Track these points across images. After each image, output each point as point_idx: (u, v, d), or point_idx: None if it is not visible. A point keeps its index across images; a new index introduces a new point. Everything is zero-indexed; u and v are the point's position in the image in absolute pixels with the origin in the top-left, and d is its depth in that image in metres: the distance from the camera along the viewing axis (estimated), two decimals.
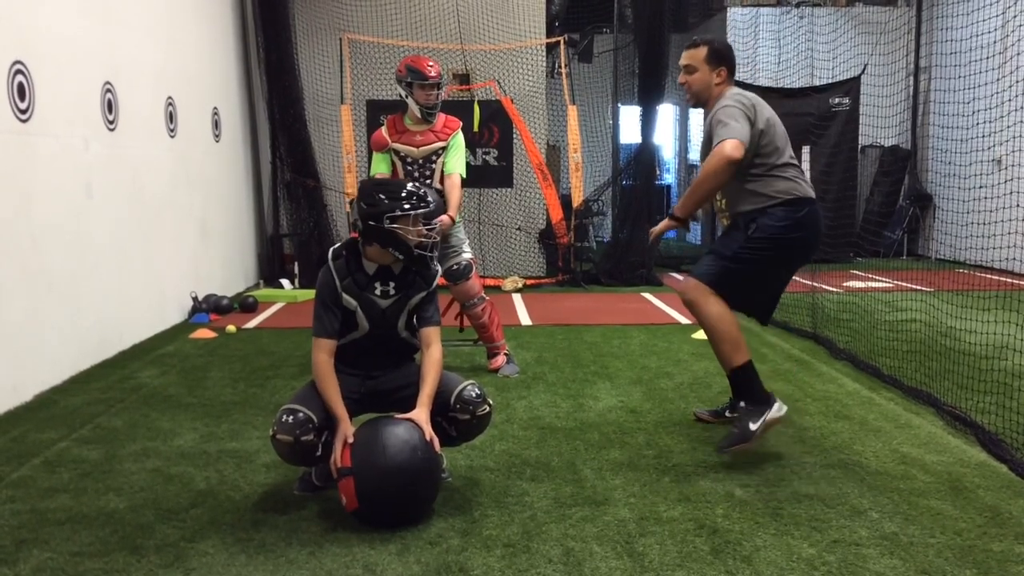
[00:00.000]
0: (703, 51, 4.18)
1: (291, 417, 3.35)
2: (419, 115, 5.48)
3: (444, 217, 5.28)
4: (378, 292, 3.51)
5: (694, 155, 15.17)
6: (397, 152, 5.52)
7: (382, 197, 3.45)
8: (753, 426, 3.94)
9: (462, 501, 3.52)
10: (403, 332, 3.58)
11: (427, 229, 3.52)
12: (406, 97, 5.50)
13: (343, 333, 3.51)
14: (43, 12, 5.44)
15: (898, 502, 3.51)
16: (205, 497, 3.61)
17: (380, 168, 5.60)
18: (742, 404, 4.07)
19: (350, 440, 3.32)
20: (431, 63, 5.51)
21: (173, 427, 4.59)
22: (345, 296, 3.48)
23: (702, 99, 4.25)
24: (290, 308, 8.61)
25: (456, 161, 5.53)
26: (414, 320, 3.60)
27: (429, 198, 3.54)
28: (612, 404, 5.00)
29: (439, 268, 3.69)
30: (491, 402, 3.62)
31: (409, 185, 3.54)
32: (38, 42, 5.33)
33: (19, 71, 5.08)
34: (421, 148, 5.48)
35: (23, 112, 5.13)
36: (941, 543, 3.14)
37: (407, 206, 3.43)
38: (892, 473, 3.84)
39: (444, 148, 5.50)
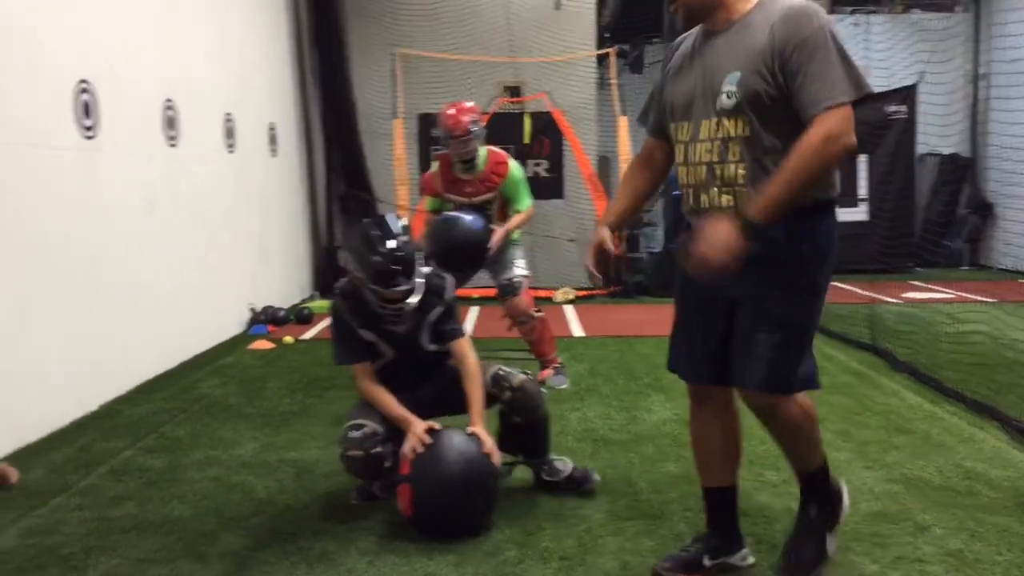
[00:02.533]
0: None
1: (358, 432, 3.41)
2: (459, 168, 5.48)
3: (498, 234, 5.34)
4: (391, 323, 3.49)
5: None
6: (451, 200, 5.57)
7: (352, 257, 3.42)
8: (831, 545, 2.96)
9: (518, 513, 3.53)
10: (429, 346, 3.59)
11: (390, 303, 3.35)
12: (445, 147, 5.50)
13: (373, 360, 3.55)
14: (107, 33, 5.60)
15: (963, 518, 3.44)
16: (266, 506, 3.67)
17: (431, 207, 5.67)
18: (814, 510, 2.95)
19: (426, 432, 3.33)
20: (460, 117, 5.32)
21: (234, 436, 4.67)
22: (362, 331, 3.50)
23: (698, 7, 2.70)
24: None
25: (524, 199, 5.55)
26: (438, 333, 3.58)
27: (395, 278, 3.29)
28: (666, 416, 4.97)
29: (446, 281, 3.59)
30: (527, 372, 3.64)
31: (383, 250, 3.30)
32: (102, 61, 5.48)
33: (84, 89, 5.24)
34: (474, 199, 5.52)
35: (88, 130, 5.28)
36: (1008, 561, 3.07)
37: (367, 278, 3.33)
38: (956, 488, 3.77)
39: (494, 196, 5.50)
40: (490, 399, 3.57)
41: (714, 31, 2.70)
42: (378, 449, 3.40)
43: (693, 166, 2.76)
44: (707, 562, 2.97)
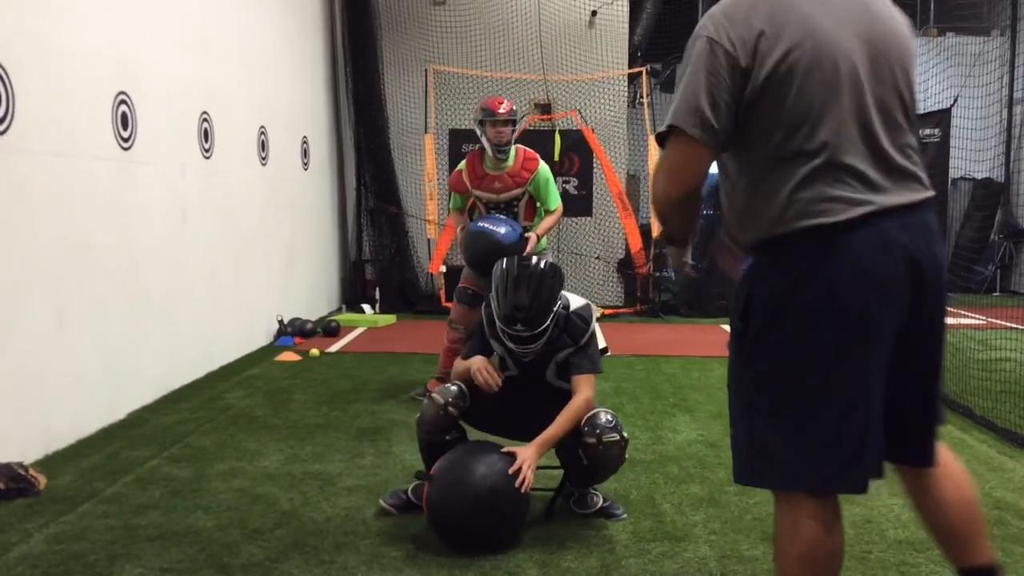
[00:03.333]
0: None
1: (451, 386, 3.58)
2: (492, 153, 5.50)
3: (532, 241, 5.37)
4: (516, 349, 3.55)
5: None
6: (479, 197, 5.60)
7: (498, 286, 3.52)
8: None
9: (540, 532, 3.52)
10: (554, 382, 3.62)
11: (516, 347, 3.51)
12: (480, 136, 5.54)
13: (502, 368, 3.67)
14: (146, 45, 5.68)
15: (992, 549, 3.38)
16: (289, 518, 3.68)
17: (457, 204, 5.69)
18: None
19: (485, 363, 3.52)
20: (503, 101, 5.54)
21: (259, 448, 4.70)
22: (492, 342, 3.63)
23: None
24: (371, 333, 8.74)
25: (552, 196, 5.57)
26: (567, 366, 3.58)
27: (516, 326, 3.42)
28: (692, 438, 4.94)
29: (587, 322, 3.59)
30: (625, 435, 3.56)
31: (510, 304, 3.43)
32: (140, 74, 5.57)
33: (123, 101, 5.32)
34: (502, 195, 5.54)
35: (126, 140, 5.36)
36: None
37: (496, 311, 3.50)
38: (985, 518, 3.70)
39: (524, 192, 5.54)
40: (577, 432, 3.48)
41: None
42: (454, 411, 3.52)
43: None
44: None
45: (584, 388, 3.51)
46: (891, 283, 2.04)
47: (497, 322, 3.49)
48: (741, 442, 2.18)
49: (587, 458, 3.51)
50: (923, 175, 2.14)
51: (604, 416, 3.52)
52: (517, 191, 5.53)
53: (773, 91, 2.04)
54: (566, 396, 3.54)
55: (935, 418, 2.26)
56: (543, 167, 5.61)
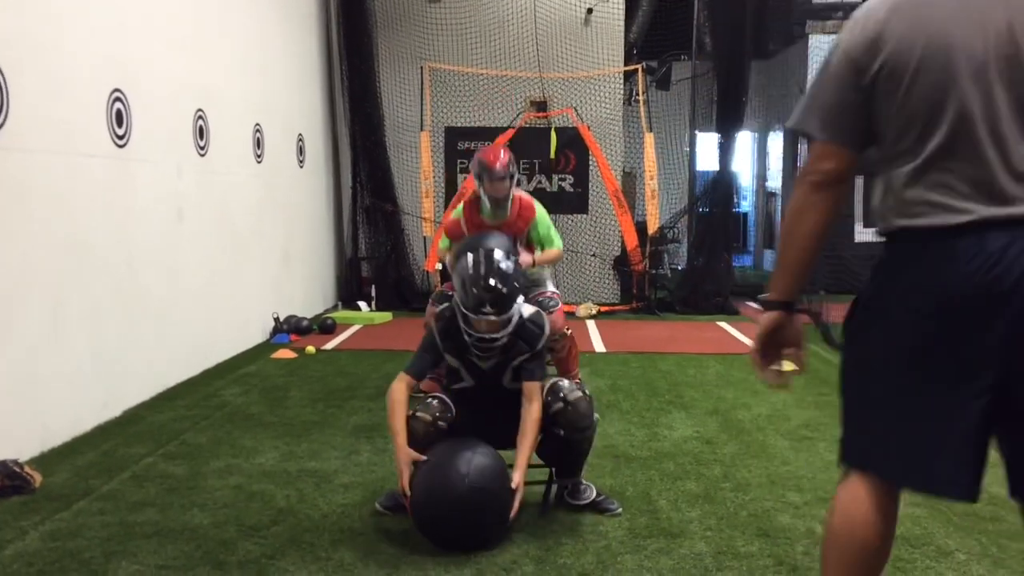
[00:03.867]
0: None
1: (435, 401, 3.58)
2: (490, 208, 5.44)
3: (525, 257, 5.28)
4: (476, 356, 3.59)
5: (773, 182, 14.97)
6: None
7: (457, 272, 3.56)
8: None
9: (536, 528, 3.52)
10: (510, 385, 3.64)
11: (486, 336, 3.47)
12: (479, 188, 5.46)
13: (453, 381, 3.68)
14: (140, 43, 5.68)
15: (986, 544, 3.40)
16: (285, 515, 3.68)
17: (448, 247, 5.62)
18: None
19: (408, 463, 3.41)
20: (500, 155, 5.39)
21: (255, 445, 4.70)
22: (447, 356, 3.63)
23: None
24: (367, 330, 8.74)
25: (553, 239, 5.53)
26: (520, 372, 3.62)
27: (485, 308, 3.42)
28: (688, 434, 4.95)
29: (544, 332, 3.64)
30: (586, 391, 3.65)
31: (483, 284, 3.44)
32: (135, 71, 5.56)
33: (118, 99, 5.31)
34: None
35: (120, 138, 5.35)
36: None
37: (462, 302, 3.48)
38: (980, 514, 3.72)
39: (520, 239, 5.48)
40: (544, 407, 3.56)
41: None
42: (443, 424, 3.52)
43: None
44: None
45: (537, 395, 3.55)
46: (968, 303, 1.90)
47: (464, 312, 3.45)
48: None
49: (561, 427, 3.57)
50: None
51: (562, 382, 3.63)
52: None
53: (881, 93, 2.01)
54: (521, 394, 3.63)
55: None
56: (540, 214, 5.55)
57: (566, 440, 3.61)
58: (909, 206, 1.99)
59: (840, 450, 2.19)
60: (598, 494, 3.78)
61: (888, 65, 1.98)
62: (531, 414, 3.52)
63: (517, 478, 3.41)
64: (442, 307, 3.73)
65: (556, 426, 3.58)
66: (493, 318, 3.44)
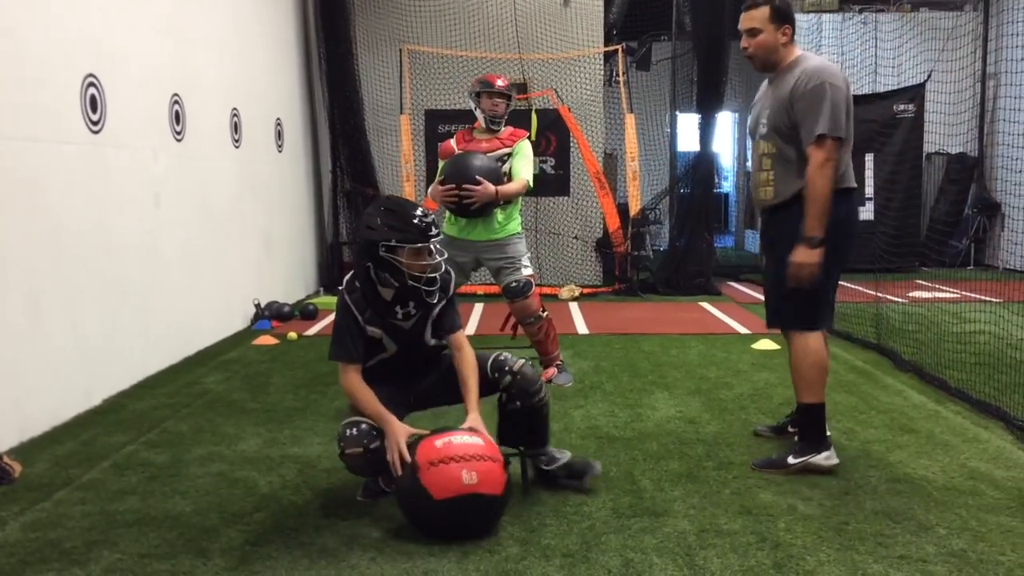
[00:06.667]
0: (765, 11, 3.91)
1: (354, 430, 3.43)
2: (484, 124, 5.58)
3: (488, 186, 5.22)
4: (399, 316, 3.55)
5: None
6: None
7: (380, 222, 3.44)
8: (792, 460, 3.94)
9: (521, 510, 3.53)
10: (430, 341, 3.67)
11: (427, 263, 3.44)
12: (475, 109, 5.63)
13: (371, 356, 3.57)
14: (115, 27, 5.60)
15: (966, 518, 3.43)
16: (268, 501, 3.67)
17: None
18: (796, 438, 4.10)
19: (404, 437, 3.37)
20: (501, 77, 5.68)
21: (237, 432, 4.68)
22: (369, 328, 3.53)
23: (770, 63, 3.99)
24: None
25: (523, 166, 5.55)
26: (438, 325, 3.64)
27: (433, 230, 3.45)
28: (670, 414, 4.96)
29: (452, 275, 3.66)
30: (527, 359, 3.72)
31: (416, 213, 3.45)
32: (110, 56, 5.49)
33: (91, 84, 5.24)
34: (487, 153, 5.53)
35: (95, 124, 5.29)
36: (1012, 561, 3.06)
37: (403, 238, 3.39)
38: (960, 488, 3.75)
39: (509, 154, 5.55)
40: (490, 386, 3.61)
41: (772, 79, 4.06)
42: (376, 444, 3.40)
43: (755, 172, 4.14)
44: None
45: (465, 342, 3.64)
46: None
47: (412, 246, 3.38)
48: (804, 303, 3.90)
49: (516, 398, 3.61)
50: None
51: (501, 355, 3.67)
52: (503, 150, 5.55)
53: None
54: (440, 352, 3.72)
55: None
56: (526, 144, 5.68)
57: (524, 410, 3.64)
58: (847, 176, 3.90)
59: (808, 320, 3.94)
60: (573, 456, 3.83)
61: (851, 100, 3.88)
62: (466, 359, 3.58)
63: (474, 419, 3.43)
64: (347, 280, 3.59)
65: (511, 400, 3.63)
66: (436, 234, 3.46)
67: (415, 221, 3.42)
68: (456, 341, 3.63)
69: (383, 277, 3.47)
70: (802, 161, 3.80)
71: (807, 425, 4.01)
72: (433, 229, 3.45)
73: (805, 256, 3.74)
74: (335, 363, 3.55)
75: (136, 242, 5.77)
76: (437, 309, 3.61)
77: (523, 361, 3.70)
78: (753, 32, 3.95)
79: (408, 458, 3.30)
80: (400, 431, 3.38)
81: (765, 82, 4.15)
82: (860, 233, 4.11)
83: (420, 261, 3.43)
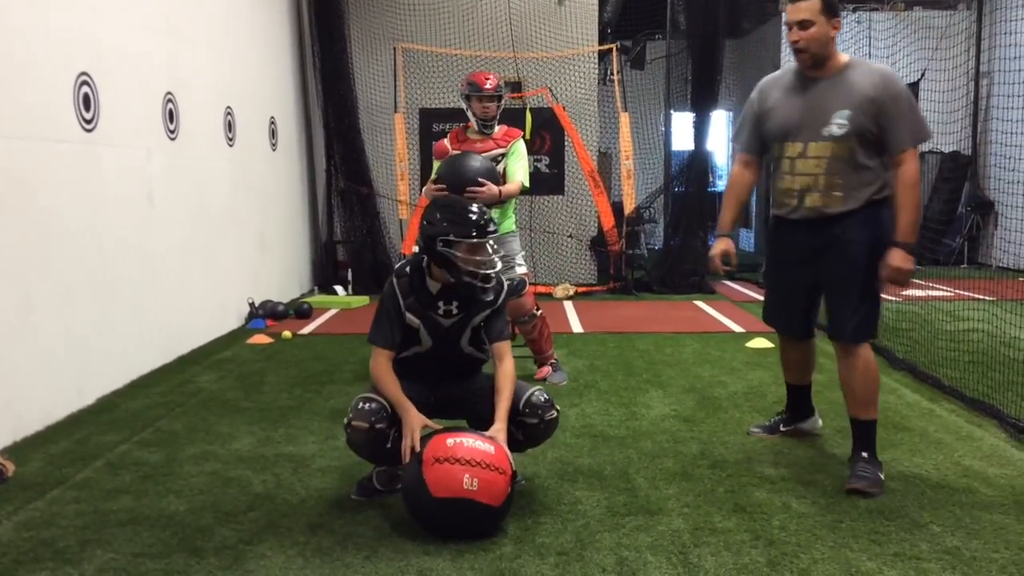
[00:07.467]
0: (816, 2, 3.64)
1: (367, 404, 3.45)
2: (477, 127, 5.56)
3: (492, 187, 5.21)
4: (441, 312, 3.54)
5: None
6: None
7: (439, 217, 3.49)
8: (882, 475, 3.76)
9: (515, 508, 3.51)
10: (467, 348, 3.63)
11: (484, 259, 3.48)
12: (467, 110, 5.60)
13: (406, 346, 3.57)
14: (108, 25, 5.58)
15: (960, 516, 3.44)
16: (263, 500, 3.66)
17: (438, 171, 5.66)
18: (858, 459, 3.81)
19: (419, 427, 3.37)
20: (490, 76, 5.60)
21: (231, 431, 4.67)
22: (408, 315, 3.53)
23: (821, 58, 3.71)
24: (344, 314, 8.70)
25: (518, 167, 5.54)
26: (481, 335, 3.61)
27: (491, 227, 3.51)
28: (665, 413, 4.97)
29: (504, 286, 3.66)
30: (558, 408, 3.66)
31: (474, 209, 3.53)
32: (103, 54, 5.47)
33: (85, 82, 5.22)
34: (481, 154, 5.52)
35: (88, 122, 5.27)
36: (1005, 559, 3.06)
37: (461, 232, 3.43)
38: (954, 486, 3.76)
39: (503, 155, 5.54)
40: (513, 414, 3.53)
41: (817, 77, 3.76)
42: (382, 425, 3.42)
43: (799, 175, 3.81)
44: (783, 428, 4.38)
45: (508, 354, 3.62)
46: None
47: (469, 240, 3.41)
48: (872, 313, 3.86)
49: (525, 435, 3.60)
50: None
51: (539, 396, 3.59)
52: (497, 151, 5.54)
53: None
54: (476, 365, 3.69)
55: None
56: (521, 144, 5.66)
57: (524, 443, 3.65)
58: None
59: (873, 330, 3.90)
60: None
61: None
62: (506, 371, 3.55)
63: (498, 429, 3.41)
64: (399, 265, 3.63)
65: (521, 433, 3.58)
66: (494, 231, 3.50)
67: (473, 217, 3.48)
68: (500, 350, 3.61)
69: (435, 270, 3.49)
70: (880, 166, 3.70)
71: (870, 441, 3.84)
72: (491, 226, 3.50)
73: (904, 261, 3.63)
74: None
75: (130, 241, 5.76)
76: (481, 316, 3.58)
77: (555, 414, 3.61)
78: (804, 24, 3.66)
79: (418, 448, 3.30)
80: (416, 420, 3.39)
81: (784, 80, 3.92)
82: None
83: (476, 256, 3.46)
